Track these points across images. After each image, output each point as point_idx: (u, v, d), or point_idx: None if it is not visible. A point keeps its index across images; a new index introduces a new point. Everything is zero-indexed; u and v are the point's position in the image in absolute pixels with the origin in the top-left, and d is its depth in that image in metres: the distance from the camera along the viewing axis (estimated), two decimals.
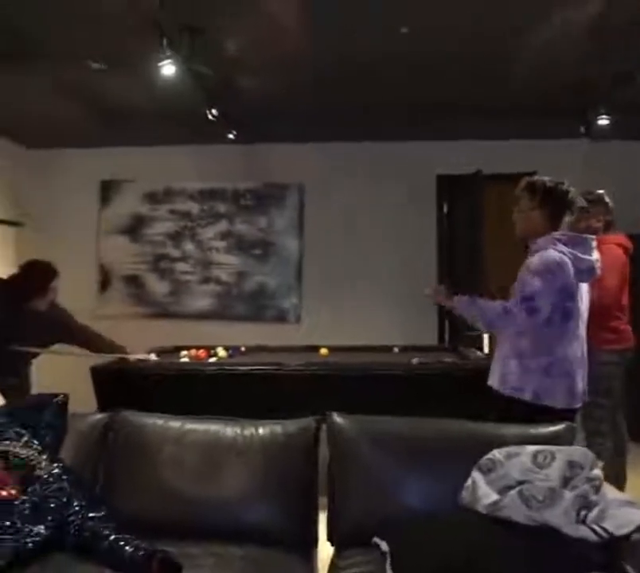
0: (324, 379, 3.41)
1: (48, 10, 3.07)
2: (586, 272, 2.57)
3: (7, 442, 2.04)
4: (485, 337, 4.52)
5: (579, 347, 2.58)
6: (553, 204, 2.60)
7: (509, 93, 4.31)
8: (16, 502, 1.90)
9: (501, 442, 2.00)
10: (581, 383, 2.58)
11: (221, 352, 4.09)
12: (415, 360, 3.57)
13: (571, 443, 2.05)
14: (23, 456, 2.03)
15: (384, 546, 1.86)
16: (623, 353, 3.27)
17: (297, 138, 5.37)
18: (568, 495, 1.65)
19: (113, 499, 2.15)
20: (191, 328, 5.49)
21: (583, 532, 1.59)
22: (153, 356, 3.81)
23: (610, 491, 1.77)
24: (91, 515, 1.95)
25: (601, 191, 3.44)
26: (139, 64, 3.35)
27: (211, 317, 5.74)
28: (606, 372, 3.15)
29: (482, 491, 1.81)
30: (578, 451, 1.85)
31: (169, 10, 2.84)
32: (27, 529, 1.87)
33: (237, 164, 5.63)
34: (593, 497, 1.69)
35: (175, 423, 2.29)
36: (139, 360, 3.68)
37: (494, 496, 1.78)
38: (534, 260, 2.52)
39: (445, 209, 5.75)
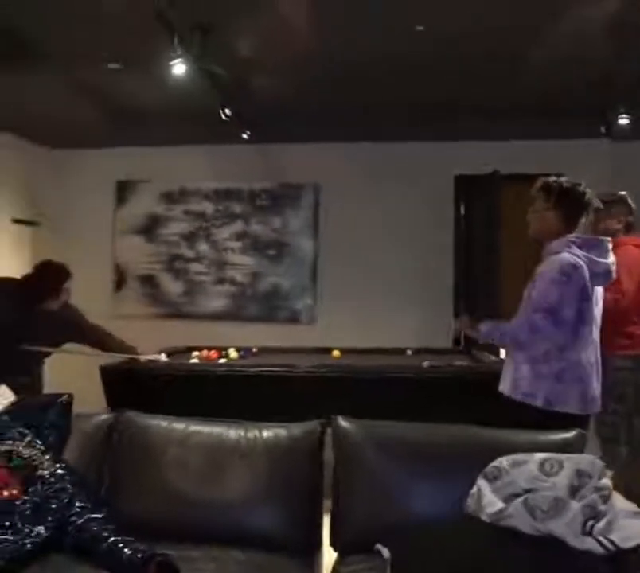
0: (334, 381, 3.37)
1: (65, 11, 3.08)
2: (602, 276, 2.52)
3: (10, 442, 2.03)
4: None
5: (592, 352, 2.52)
6: (569, 205, 2.55)
7: (529, 93, 4.24)
8: (17, 502, 1.90)
9: (509, 449, 1.95)
10: (595, 389, 2.53)
11: (233, 353, 4.08)
12: (426, 364, 3.52)
13: (581, 451, 2.00)
14: (26, 456, 2.02)
15: (385, 553, 1.82)
16: (638, 359, 3.19)
17: (312, 138, 5.34)
18: (575, 505, 1.60)
19: (116, 500, 2.14)
20: (205, 328, 5.48)
21: (589, 544, 1.54)
22: (163, 357, 3.81)
23: (619, 501, 1.72)
24: (92, 516, 1.94)
25: (623, 192, 3.38)
26: (154, 63, 3.35)
27: (225, 317, 5.73)
28: (619, 377, 3.08)
29: (487, 499, 1.77)
30: (586, 460, 1.80)
31: (180, 9, 2.83)
32: (27, 530, 1.87)
33: (252, 164, 5.61)
34: (601, 507, 1.64)
35: (179, 425, 2.28)
36: (149, 360, 3.68)
37: (499, 505, 1.74)
38: (549, 267, 2.47)
39: (462, 210, 5.69)
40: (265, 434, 2.21)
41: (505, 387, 2.59)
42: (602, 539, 1.54)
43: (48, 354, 3.65)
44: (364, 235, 5.63)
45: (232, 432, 2.23)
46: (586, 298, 2.46)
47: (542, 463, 1.79)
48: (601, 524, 1.59)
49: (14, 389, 2.65)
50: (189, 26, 3.06)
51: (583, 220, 2.57)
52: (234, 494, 2.13)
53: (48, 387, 3.72)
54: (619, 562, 1.53)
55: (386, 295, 5.54)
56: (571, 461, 1.78)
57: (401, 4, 3.03)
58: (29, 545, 1.84)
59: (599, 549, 1.53)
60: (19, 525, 1.85)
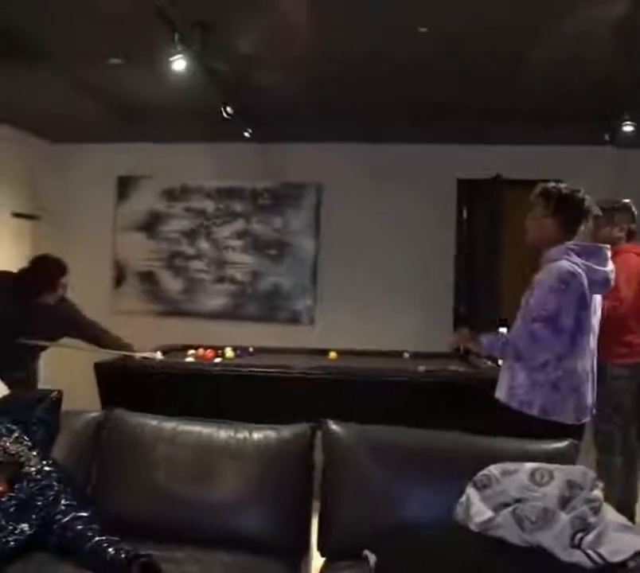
0: (327, 384, 3.36)
1: (65, 7, 3.06)
2: (600, 284, 2.49)
3: None
4: None
5: (589, 361, 2.50)
6: (568, 212, 2.52)
7: (531, 96, 4.21)
8: (2, 499, 1.89)
9: (500, 457, 1.93)
10: (590, 398, 2.51)
11: (229, 352, 4.06)
12: (421, 368, 3.50)
13: (573, 461, 1.97)
14: (13, 452, 2.01)
15: (372, 560, 1.80)
16: (635, 368, 3.16)
17: (315, 138, 5.31)
18: (564, 517, 1.58)
19: (103, 498, 2.12)
20: (203, 327, 5.46)
21: (577, 556, 1.52)
22: (158, 355, 3.79)
23: (609, 513, 1.70)
24: (77, 515, 1.92)
25: (626, 200, 3.35)
26: (155, 59, 3.33)
27: (224, 316, 5.71)
28: (616, 386, 3.06)
29: (476, 508, 1.75)
30: (578, 471, 1.77)
31: (181, 6, 2.81)
32: (11, 527, 1.85)
33: (255, 163, 5.59)
34: (591, 520, 1.62)
35: (169, 424, 2.26)
36: (144, 358, 3.66)
37: (488, 514, 1.72)
38: (547, 275, 2.44)
39: (465, 213, 5.67)
40: (255, 435, 2.19)
41: (501, 394, 2.56)
42: (590, 552, 1.51)
43: (44, 348, 3.64)
44: (365, 236, 5.61)
45: (222, 433, 2.21)
46: (584, 306, 2.43)
47: (532, 473, 1.77)
48: (590, 537, 1.56)
49: (9, 384, 2.65)
50: (190, 23, 3.04)
51: (582, 227, 2.55)
52: (222, 495, 2.11)
53: (43, 383, 3.71)
54: None
55: (386, 297, 5.51)
56: (562, 472, 1.76)
57: (402, 4, 3.01)
58: (12, 543, 1.83)
59: (587, 562, 1.50)
60: (2, 522, 1.84)
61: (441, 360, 3.94)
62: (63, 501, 1.94)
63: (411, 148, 5.46)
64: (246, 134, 4.78)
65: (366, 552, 1.86)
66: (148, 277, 5.84)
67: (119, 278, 5.87)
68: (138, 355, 3.64)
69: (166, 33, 3.00)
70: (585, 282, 2.41)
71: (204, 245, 5.80)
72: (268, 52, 3.63)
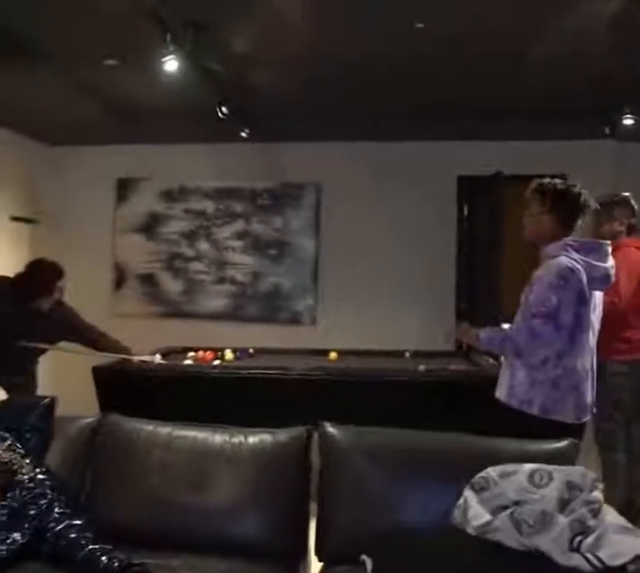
0: (327, 385, 3.32)
1: (62, 8, 3.04)
2: (600, 280, 2.46)
3: None
4: None
5: (588, 359, 2.46)
6: (565, 208, 2.49)
7: (532, 92, 4.17)
8: None
9: (499, 458, 1.90)
10: (589, 397, 2.47)
11: (228, 354, 4.03)
12: (421, 367, 3.47)
13: (573, 461, 1.94)
14: (5, 460, 1.99)
15: (369, 564, 1.77)
16: (634, 364, 3.11)
17: (314, 138, 5.28)
18: (562, 520, 1.55)
19: (98, 505, 2.11)
20: (204, 328, 5.43)
21: (576, 560, 1.48)
22: (157, 358, 3.76)
23: (609, 515, 1.66)
24: (71, 523, 1.90)
25: (626, 194, 3.31)
26: (152, 61, 3.31)
27: (225, 317, 5.68)
28: (615, 383, 3.01)
29: (474, 511, 1.72)
30: (577, 472, 1.73)
31: (173, 6, 2.79)
32: (2, 536, 1.84)
33: (254, 163, 5.55)
34: (590, 522, 1.58)
35: (164, 429, 2.24)
36: (142, 361, 3.63)
37: (486, 518, 1.68)
38: (546, 271, 2.41)
39: (465, 210, 5.62)
40: (250, 439, 2.17)
41: (501, 393, 2.53)
42: (589, 555, 1.48)
43: (43, 351, 3.62)
44: (365, 235, 5.57)
45: (218, 437, 2.19)
46: (583, 302, 2.40)
47: (531, 474, 1.74)
48: (589, 540, 1.53)
49: (8, 388, 2.62)
50: (182, 23, 3.01)
51: (580, 222, 2.51)
52: (218, 500, 2.09)
53: (42, 388, 3.69)
54: None
55: (388, 296, 5.48)
56: (562, 473, 1.72)
57: (402, 3, 2.98)
58: (4, 552, 1.81)
59: (586, 566, 1.47)
60: None
61: (443, 358, 3.90)
62: (56, 509, 1.92)
63: (411, 146, 5.42)
64: (243, 135, 4.75)
65: (363, 557, 1.83)
66: (148, 279, 5.82)
67: (119, 281, 5.84)
68: (136, 358, 3.61)
69: (159, 34, 2.97)
70: (584, 278, 2.38)
71: (203, 246, 5.77)
72: (265, 51, 3.60)
